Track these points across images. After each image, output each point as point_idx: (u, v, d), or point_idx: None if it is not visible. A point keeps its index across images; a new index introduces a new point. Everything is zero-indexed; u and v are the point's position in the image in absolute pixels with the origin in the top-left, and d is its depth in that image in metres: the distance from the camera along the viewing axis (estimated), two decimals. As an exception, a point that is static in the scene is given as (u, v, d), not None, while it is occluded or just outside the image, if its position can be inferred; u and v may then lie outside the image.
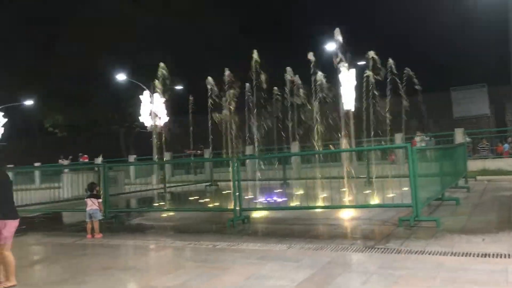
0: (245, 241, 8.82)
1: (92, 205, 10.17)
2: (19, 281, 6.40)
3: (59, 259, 8.27)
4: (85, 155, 34.99)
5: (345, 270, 6.39)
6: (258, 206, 13.87)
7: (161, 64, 23.20)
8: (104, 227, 11.11)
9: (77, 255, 8.46)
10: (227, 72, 21.83)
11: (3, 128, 36.08)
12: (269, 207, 13.33)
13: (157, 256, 8.27)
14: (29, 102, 41.71)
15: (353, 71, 24.08)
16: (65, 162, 35.18)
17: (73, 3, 43.82)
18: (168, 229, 11.13)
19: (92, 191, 10.35)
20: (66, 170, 23.17)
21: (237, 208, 10.92)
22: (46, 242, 10.23)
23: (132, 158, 34.84)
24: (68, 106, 43.57)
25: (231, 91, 22.24)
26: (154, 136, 28.17)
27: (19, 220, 6.49)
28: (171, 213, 13.48)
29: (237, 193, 10.96)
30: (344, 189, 13.70)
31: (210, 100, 23.19)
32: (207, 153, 29.20)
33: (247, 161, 25.03)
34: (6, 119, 36.26)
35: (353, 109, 25.42)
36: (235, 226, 10.48)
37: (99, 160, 32.67)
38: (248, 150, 28.53)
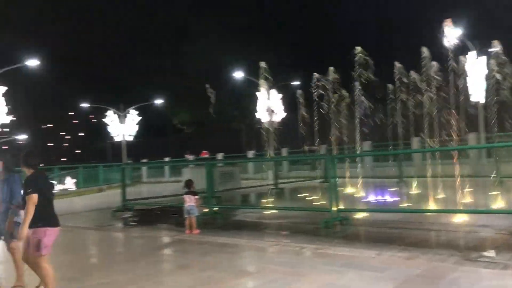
0: (334, 244, 8.33)
1: (190, 201, 10.42)
2: (104, 274, 6.70)
3: (145, 255, 8.56)
4: (205, 151, 36.63)
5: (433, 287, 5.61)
6: (365, 205, 13.15)
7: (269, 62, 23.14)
8: (207, 223, 11.36)
9: (163, 252, 8.70)
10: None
11: (137, 126, 39.44)
12: (367, 208, 12.51)
13: (239, 256, 8.13)
14: (160, 101, 44.89)
15: (482, 59, 21.72)
16: (191, 157, 37.21)
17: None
18: (263, 228, 11.01)
19: (189, 188, 10.62)
20: (191, 166, 24.25)
21: (334, 208, 10.38)
22: (146, 235, 10.73)
23: (250, 153, 35.64)
24: (194, 104, 46.06)
25: (356, 82, 21.21)
26: (270, 131, 28.41)
27: (59, 228, 5.86)
28: (275, 210, 13.35)
29: (333, 192, 10.41)
30: (465, 190, 12.36)
31: (330, 95, 22.49)
32: (324, 149, 28.70)
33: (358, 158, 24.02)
34: (140, 117, 39.55)
35: (483, 101, 22.93)
36: (330, 227, 9.98)
37: (219, 156, 33.95)
38: (366, 145, 27.46)
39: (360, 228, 10.14)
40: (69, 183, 28.50)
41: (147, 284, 6.41)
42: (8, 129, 48.70)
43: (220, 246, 8.80)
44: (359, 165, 23.25)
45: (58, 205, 17.86)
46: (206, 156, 34.71)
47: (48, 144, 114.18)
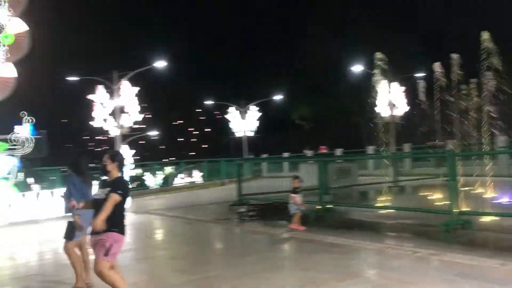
0: (452, 250, 7.65)
1: (292, 199, 10.50)
2: (212, 267, 6.92)
3: (252, 251, 8.69)
4: (324, 146, 36.32)
5: None
6: (495, 208, 11.94)
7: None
8: (318, 220, 11.24)
9: (269, 249, 8.76)
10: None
11: (258, 121, 40.43)
12: (494, 211, 11.28)
13: (346, 257, 7.82)
14: (279, 97, 45.55)
15: None
16: (309, 153, 37.22)
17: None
18: (376, 228, 10.55)
19: (296, 184, 10.65)
20: (309, 161, 24.21)
21: (454, 210, 9.56)
22: (256, 231, 10.94)
23: (370, 149, 34.53)
24: (313, 98, 45.97)
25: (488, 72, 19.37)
26: (391, 126, 27.23)
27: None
28: (390, 210, 12.73)
29: (454, 193, 9.59)
30: None
31: (455, 85, 20.83)
32: (451, 145, 26.72)
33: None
34: (260, 113, 40.48)
35: None
36: (449, 231, 9.22)
37: (338, 152, 33.44)
38: (501, 141, 25.00)
39: (484, 233, 9.22)
40: (196, 176, 30.30)
41: (250, 281, 6.49)
42: (144, 126, 53.06)
43: (327, 245, 8.61)
44: (491, 162, 21.23)
45: (186, 196, 19.06)
46: (324, 151, 34.46)
47: (178, 139, 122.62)
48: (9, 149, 13.00)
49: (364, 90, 40.27)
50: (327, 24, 41.81)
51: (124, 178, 5.52)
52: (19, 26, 13.17)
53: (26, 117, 13.28)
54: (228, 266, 7.61)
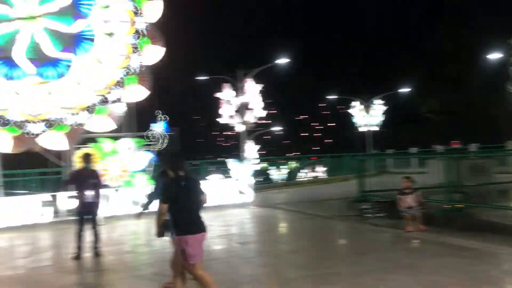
0: None
1: (400, 200, 10.11)
2: (331, 264, 6.89)
3: (371, 249, 8.45)
4: (456, 141, 33.85)
5: None
6: None
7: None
8: (447, 221, 10.62)
9: (389, 248, 8.46)
10: None
11: (383, 115, 39.12)
12: None
13: (473, 262, 7.22)
14: (406, 89, 43.48)
15: None
16: (440, 148, 35.02)
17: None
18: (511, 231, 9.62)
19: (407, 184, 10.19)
20: (439, 157, 22.84)
21: None
22: (377, 229, 10.64)
23: (511, 144, 31.43)
24: (443, 89, 43.11)
25: None
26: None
27: (205, 233, 5.48)
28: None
29: None
30: None
31: None
32: None
33: None
34: (385, 107, 39.13)
35: None
36: None
37: (472, 147, 31.00)
38: None
39: None
40: (319, 171, 30.34)
41: (367, 280, 6.36)
42: (269, 121, 54.39)
43: (454, 248, 8.09)
44: None
45: (308, 191, 19.16)
46: (457, 146, 32.17)
47: (302, 134, 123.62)
48: (146, 145, 14.27)
49: (503, 79, 36.86)
50: (459, 9, 38.80)
51: (171, 179, 5.52)
52: (154, 32, 14.35)
53: (160, 115, 14.45)
54: (346, 264, 7.54)
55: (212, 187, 14.56)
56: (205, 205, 5.74)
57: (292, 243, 9.96)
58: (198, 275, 5.29)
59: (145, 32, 14.21)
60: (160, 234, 5.81)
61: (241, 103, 24.84)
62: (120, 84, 13.90)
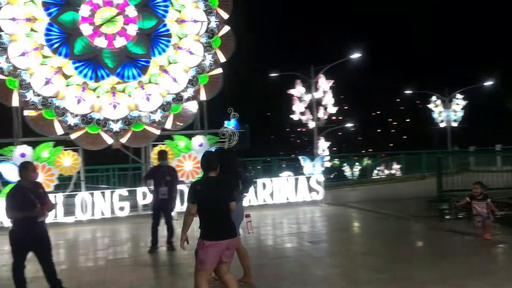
0: None
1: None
2: (404, 267, 6.60)
3: (447, 253, 7.99)
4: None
5: None
6: None
7: None
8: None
9: (465, 253, 8.00)
10: None
11: (463, 111, 37.10)
12: None
13: None
14: (489, 83, 40.85)
15: None
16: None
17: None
18: None
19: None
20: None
21: None
22: (454, 232, 10.07)
23: None
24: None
25: None
26: None
27: (224, 242, 5.13)
28: None
29: None
30: None
31: None
32: None
33: None
34: (466, 102, 37.06)
35: None
36: None
37: None
38: None
39: None
40: (394, 168, 29.37)
41: (443, 287, 6.01)
42: (341, 117, 53.45)
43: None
44: None
45: (382, 190, 18.53)
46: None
47: (377, 131, 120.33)
48: (218, 142, 14.50)
49: None
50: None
51: (199, 181, 5.37)
52: (224, 29, 14.55)
53: (232, 112, 14.62)
54: (420, 268, 7.18)
55: (283, 184, 14.53)
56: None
57: (364, 244, 9.68)
58: (197, 282, 5.07)
59: (217, 31, 14.43)
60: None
61: (313, 100, 24.57)
62: (193, 82, 14.23)
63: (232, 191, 5.29)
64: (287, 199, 14.48)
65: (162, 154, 9.72)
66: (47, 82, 13.13)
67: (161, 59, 14.02)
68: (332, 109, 24.69)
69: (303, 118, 25.01)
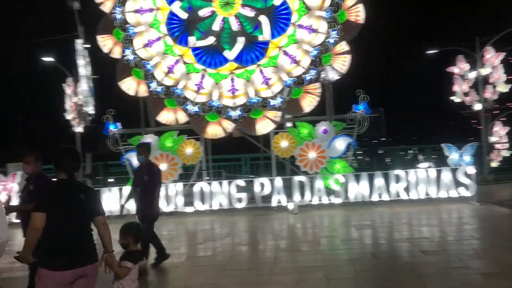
0: None
1: None
2: None
3: None
4: None
5: None
6: None
7: None
8: None
9: None
10: None
11: None
12: None
13: None
14: None
15: None
16: None
17: None
18: None
19: None
20: None
21: None
22: None
23: None
24: None
25: None
26: None
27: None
28: None
29: None
30: None
31: None
32: None
33: None
34: None
35: None
36: None
37: None
38: None
39: None
40: None
41: None
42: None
43: None
44: None
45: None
46: None
47: None
48: (345, 128, 12.91)
49: None
50: None
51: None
52: (350, 2, 12.83)
53: (362, 95, 12.87)
54: None
55: (422, 177, 12.28)
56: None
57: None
58: None
59: (342, 2, 12.81)
60: None
61: (479, 77, 20.95)
62: (316, 63, 12.87)
63: (97, 201, 3.99)
64: (426, 195, 12.20)
65: (140, 148, 7.43)
66: (169, 71, 13.15)
67: (280, 40, 12.99)
68: (504, 87, 20.74)
69: (467, 99, 21.50)
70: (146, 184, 7.01)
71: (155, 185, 7.06)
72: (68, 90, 18.71)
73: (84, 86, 16.05)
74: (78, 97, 17.81)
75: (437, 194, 12.20)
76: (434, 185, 12.19)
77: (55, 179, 3.89)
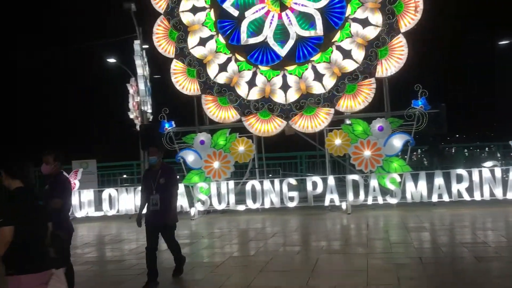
0: None
1: None
2: None
3: None
4: None
5: None
6: None
7: None
8: None
9: None
10: None
11: None
12: None
13: None
14: None
15: None
16: None
17: None
18: None
19: None
20: None
21: None
22: None
23: None
24: None
25: None
26: None
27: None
28: None
29: None
30: None
31: None
32: None
33: None
34: None
35: None
36: None
37: None
38: None
39: None
40: None
41: None
42: None
43: None
44: None
45: None
46: None
47: None
48: (403, 125, 12.27)
49: None
50: None
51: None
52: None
53: (420, 90, 12.17)
54: None
55: (487, 176, 11.42)
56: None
57: None
58: None
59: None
60: None
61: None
62: (371, 57, 12.35)
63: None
64: (491, 196, 11.35)
65: (152, 148, 6.70)
66: (221, 69, 13.17)
67: (333, 34, 12.58)
68: None
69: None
70: (162, 188, 6.42)
71: (173, 186, 6.55)
72: (131, 89, 19.33)
73: (141, 85, 16.48)
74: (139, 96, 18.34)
75: (504, 196, 11.31)
76: (500, 185, 11.31)
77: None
